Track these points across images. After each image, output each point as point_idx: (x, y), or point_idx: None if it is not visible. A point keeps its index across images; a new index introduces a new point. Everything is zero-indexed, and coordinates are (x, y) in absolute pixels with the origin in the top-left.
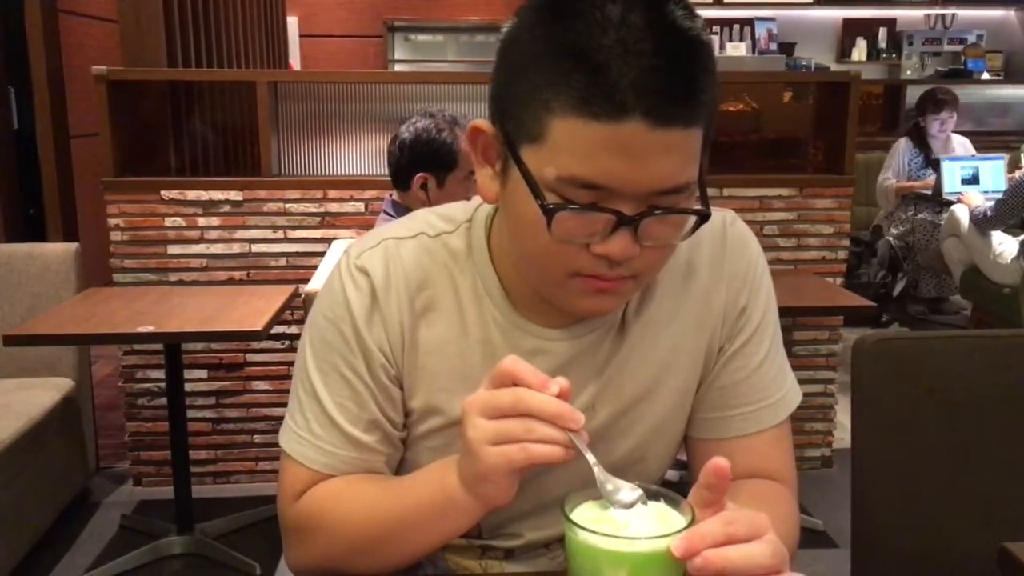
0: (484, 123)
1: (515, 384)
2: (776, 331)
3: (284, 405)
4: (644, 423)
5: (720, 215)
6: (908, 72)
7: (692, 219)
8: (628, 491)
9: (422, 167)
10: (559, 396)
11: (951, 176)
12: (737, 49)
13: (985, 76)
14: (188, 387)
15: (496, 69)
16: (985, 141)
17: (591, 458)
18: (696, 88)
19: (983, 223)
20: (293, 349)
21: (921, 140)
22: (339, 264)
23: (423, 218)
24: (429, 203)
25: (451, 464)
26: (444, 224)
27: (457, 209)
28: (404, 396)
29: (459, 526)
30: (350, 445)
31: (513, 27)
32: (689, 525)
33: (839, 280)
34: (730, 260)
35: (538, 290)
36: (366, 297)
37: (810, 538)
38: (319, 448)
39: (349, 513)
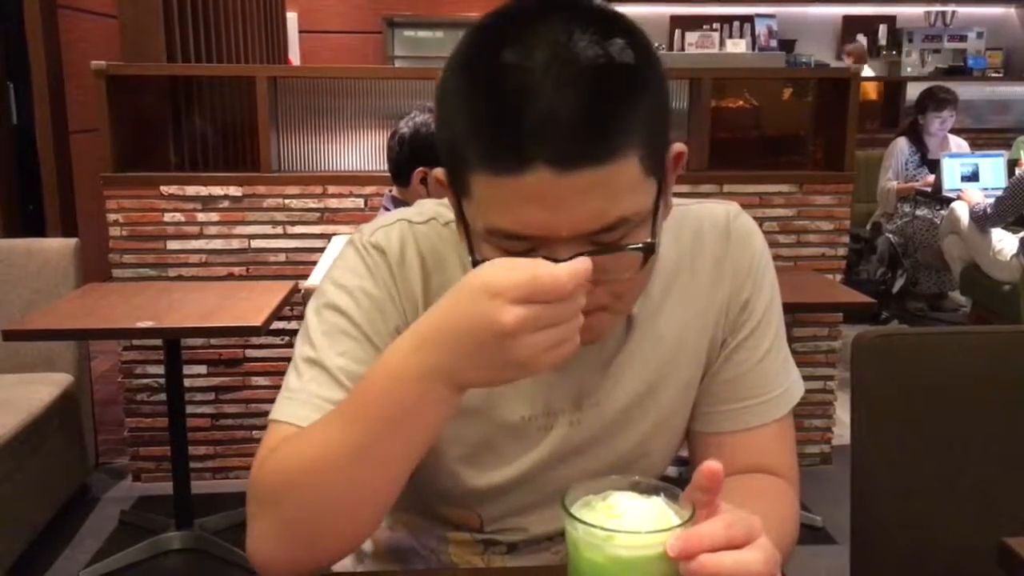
0: (442, 174)
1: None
2: (779, 325)
3: None
4: (649, 418)
5: (724, 208)
6: (908, 69)
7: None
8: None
9: (422, 162)
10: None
11: (951, 173)
12: (737, 46)
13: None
14: (187, 383)
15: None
16: (985, 138)
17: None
18: (603, 122)
19: (983, 220)
20: (292, 345)
21: (918, 139)
22: (351, 241)
23: (433, 207)
24: (429, 198)
25: (403, 359)
26: (454, 213)
27: None
28: None
29: (435, 424)
30: None
31: (441, 80)
32: (689, 520)
33: (839, 277)
34: (733, 253)
35: None
36: (382, 268)
37: (809, 535)
38: (312, 405)
39: (308, 442)
